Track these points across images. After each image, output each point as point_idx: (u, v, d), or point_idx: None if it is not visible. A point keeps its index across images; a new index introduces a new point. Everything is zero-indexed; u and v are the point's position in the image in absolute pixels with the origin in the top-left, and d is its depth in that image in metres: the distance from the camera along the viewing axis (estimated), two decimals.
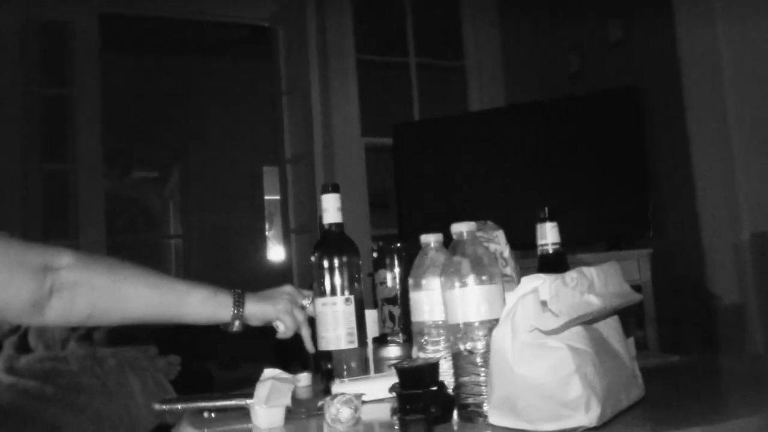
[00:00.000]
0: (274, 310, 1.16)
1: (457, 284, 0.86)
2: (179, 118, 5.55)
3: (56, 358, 2.08)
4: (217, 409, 1.05)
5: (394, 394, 0.85)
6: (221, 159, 5.61)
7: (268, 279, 5.71)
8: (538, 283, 0.74)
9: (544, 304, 0.74)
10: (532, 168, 3.20)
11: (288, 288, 1.22)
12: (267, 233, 6.17)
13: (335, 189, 1.24)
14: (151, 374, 2.03)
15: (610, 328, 0.84)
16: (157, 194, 7.17)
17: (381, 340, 1.30)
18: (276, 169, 6.05)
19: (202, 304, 1.10)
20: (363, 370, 1.19)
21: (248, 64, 5.40)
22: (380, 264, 1.34)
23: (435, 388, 0.81)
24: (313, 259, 1.22)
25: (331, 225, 1.23)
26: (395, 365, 0.85)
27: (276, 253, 6.20)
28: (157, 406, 1.06)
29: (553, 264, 1.05)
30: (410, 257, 1.35)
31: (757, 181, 2.76)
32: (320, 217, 1.26)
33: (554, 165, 3.15)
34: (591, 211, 3.00)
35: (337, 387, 1.05)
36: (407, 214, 3.38)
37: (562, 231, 1.43)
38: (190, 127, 5.59)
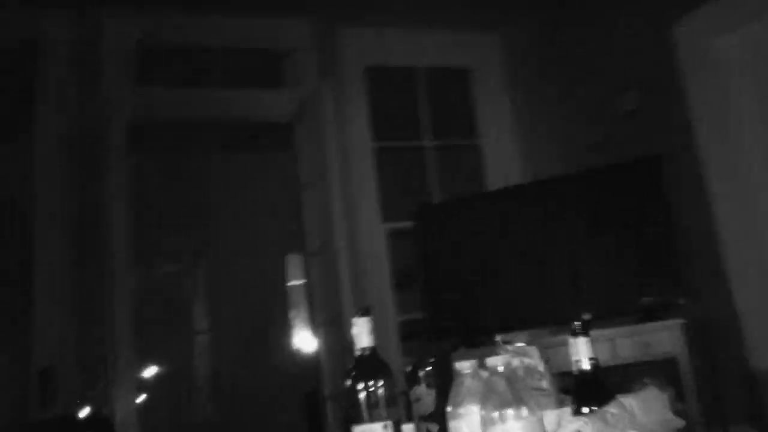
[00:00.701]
0: None
1: (498, 420, 0.86)
2: (200, 215, 5.66)
3: None
4: None
5: None
6: (244, 252, 5.67)
7: (297, 369, 5.67)
8: (579, 425, 0.74)
9: None
10: (556, 244, 3.19)
11: None
12: (292, 321, 6.16)
13: (366, 313, 1.25)
14: None
15: None
16: (181, 289, 7.23)
17: None
18: (299, 256, 6.14)
19: None
20: None
21: (267, 157, 5.54)
22: (414, 380, 1.33)
23: None
24: (347, 383, 1.22)
25: (364, 349, 1.23)
26: None
27: (302, 341, 6.17)
28: None
29: (590, 383, 1.03)
30: (445, 370, 1.35)
31: None
32: (351, 341, 1.26)
33: (579, 240, 3.14)
34: (620, 283, 2.97)
35: None
36: (431, 299, 3.37)
37: (594, 304, 1.41)
38: (210, 224, 5.70)
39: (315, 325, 3.75)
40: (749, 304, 2.81)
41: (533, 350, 1.15)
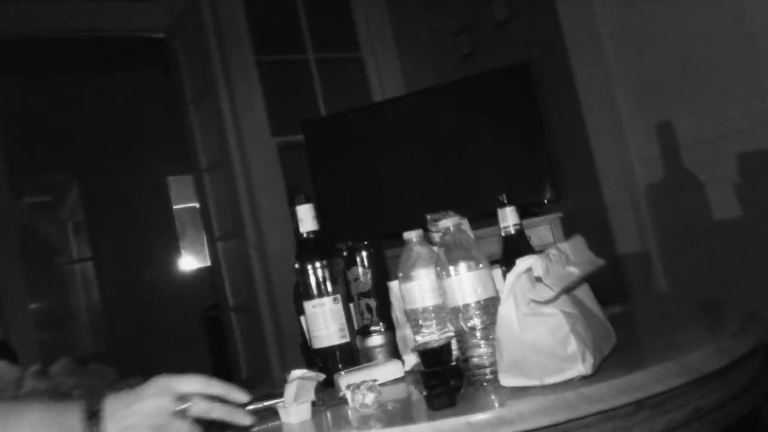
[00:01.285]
0: None
1: (453, 272, 1.00)
2: (74, 138, 5.35)
3: (16, 398, 2.05)
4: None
5: (409, 366, 0.97)
6: (123, 173, 5.47)
7: (191, 287, 5.66)
8: (531, 262, 0.89)
9: (538, 279, 0.88)
10: (438, 151, 3.37)
11: (154, 390, 0.91)
12: (180, 243, 6.08)
13: (308, 200, 1.34)
14: None
15: (585, 292, 1.01)
16: (50, 219, 6.86)
17: (363, 332, 1.42)
18: (181, 177, 5.99)
19: None
20: (356, 361, 1.31)
21: (139, 76, 5.29)
22: (351, 262, 1.45)
23: (453, 363, 0.94)
24: (297, 265, 1.32)
25: (309, 233, 1.33)
26: (417, 348, 0.98)
27: (189, 262, 6.13)
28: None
29: (517, 242, 1.21)
30: (378, 253, 1.49)
31: (643, 137, 3.07)
32: (295, 228, 1.35)
33: (459, 146, 3.33)
34: (499, 184, 3.22)
35: (344, 378, 1.16)
36: (328, 210, 3.49)
37: (471, 207, 1.60)
38: (86, 146, 5.41)
39: (210, 242, 3.76)
40: (614, 199, 3.16)
41: (465, 222, 1.30)
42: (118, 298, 5.60)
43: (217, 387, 0.93)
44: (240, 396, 0.95)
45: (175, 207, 6.03)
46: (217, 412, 0.92)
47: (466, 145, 3.32)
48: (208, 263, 4.27)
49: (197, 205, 3.87)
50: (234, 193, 3.44)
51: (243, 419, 0.94)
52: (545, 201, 3.14)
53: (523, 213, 3.18)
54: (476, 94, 3.36)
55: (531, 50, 3.40)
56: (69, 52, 4.69)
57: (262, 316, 3.31)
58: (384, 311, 1.42)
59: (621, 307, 1.47)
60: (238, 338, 3.57)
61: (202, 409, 0.91)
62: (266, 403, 1.04)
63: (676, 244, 3.00)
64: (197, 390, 0.92)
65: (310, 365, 1.36)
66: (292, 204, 3.94)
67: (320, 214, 3.57)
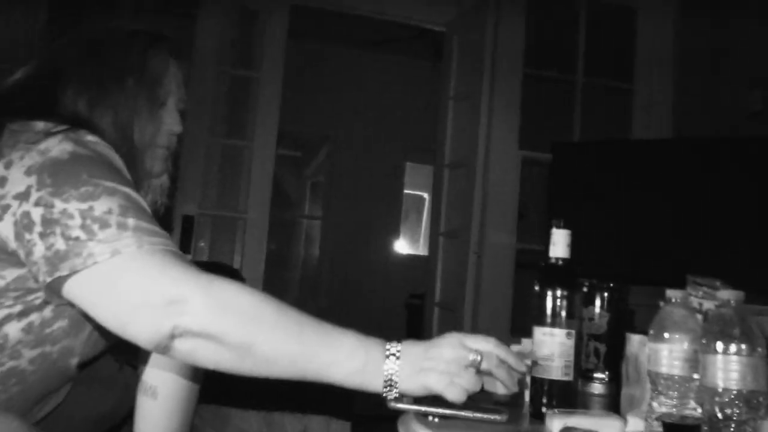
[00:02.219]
0: (434, 386, 1.00)
1: (720, 349, 0.90)
2: (333, 105, 5.78)
3: None
4: (445, 416, 1.14)
5: (632, 429, 0.90)
6: (368, 147, 5.79)
7: (400, 272, 5.87)
8: None
9: None
10: (699, 208, 3.10)
11: (450, 341, 1.02)
12: (401, 226, 6.32)
13: (565, 225, 1.30)
14: None
15: None
16: (296, 174, 7.50)
17: (584, 375, 1.35)
18: (416, 166, 6.22)
19: (352, 375, 0.97)
20: (571, 404, 1.24)
21: (407, 61, 5.55)
22: (590, 300, 1.38)
23: None
24: (537, 287, 1.28)
25: (558, 259, 1.29)
26: (664, 418, 0.90)
27: (404, 246, 6.35)
28: (390, 404, 1.16)
29: None
30: (621, 299, 1.40)
31: None
32: (547, 250, 1.32)
33: (726, 208, 3.03)
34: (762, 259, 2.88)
35: (559, 418, 1.10)
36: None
37: (727, 276, 1.42)
38: (343, 115, 5.82)
39: (434, 235, 3.85)
40: None
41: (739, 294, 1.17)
42: (333, 259, 5.97)
43: (503, 351, 1.06)
44: (520, 366, 1.08)
45: (405, 191, 6.27)
46: (501, 372, 1.05)
47: (735, 210, 3.01)
48: (423, 253, 4.38)
49: (425, 194, 3.99)
50: (469, 194, 3.47)
51: (515, 387, 1.09)
52: None
53: None
54: (760, 156, 3.03)
55: None
56: (351, 26, 5.04)
57: (464, 319, 3.31)
58: (611, 360, 1.33)
59: None
60: (434, 333, 3.62)
61: (491, 364, 1.03)
62: (485, 416, 1.04)
63: None
64: (487, 349, 1.03)
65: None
66: (521, 217, 3.91)
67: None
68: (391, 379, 0.98)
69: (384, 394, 1.00)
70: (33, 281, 1.01)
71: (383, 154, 5.86)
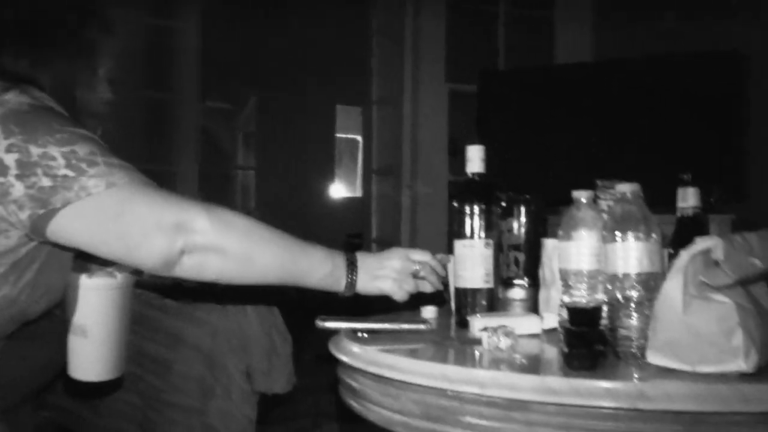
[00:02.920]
0: (387, 290, 1.23)
1: (620, 238, 0.95)
2: (258, 52, 5.64)
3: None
4: (373, 331, 1.18)
5: (552, 328, 0.95)
6: (297, 93, 5.70)
7: (337, 215, 5.88)
8: (711, 243, 0.83)
9: (716, 263, 0.82)
10: (618, 124, 3.20)
11: (398, 254, 1.25)
12: (336, 170, 6.31)
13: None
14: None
15: (762, 289, 0.92)
16: (227, 126, 7.34)
17: (506, 283, 1.40)
18: (347, 108, 6.17)
19: (323, 279, 1.18)
20: (494, 309, 1.30)
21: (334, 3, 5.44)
22: (508, 213, 1.43)
23: (600, 328, 0.91)
24: (455, 203, 1.32)
25: (474, 174, 1.32)
26: (567, 304, 0.96)
27: (340, 190, 6.35)
28: (319, 323, 1.19)
29: (694, 226, 1.13)
30: (538, 209, 1.45)
31: None
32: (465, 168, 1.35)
33: (641, 122, 3.14)
34: (677, 169, 3.01)
35: (480, 321, 1.16)
36: (488, 162, 3.45)
37: (649, 191, 1.48)
38: (269, 62, 5.69)
39: (367, 173, 3.86)
40: None
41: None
42: (271, 208, 5.93)
43: (436, 262, 1.28)
44: (442, 271, 1.30)
45: (337, 135, 6.23)
46: (432, 277, 1.26)
47: (649, 124, 3.13)
48: (360, 195, 4.40)
49: (359, 137, 3.99)
50: (398, 129, 3.49)
51: (439, 286, 1.29)
52: (721, 198, 2.90)
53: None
54: (673, 74, 3.14)
55: (748, 35, 3.09)
56: None
57: None
58: (531, 268, 1.39)
59: None
60: None
61: (426, 272, 1.25)
62: (408, 326, 1.10)
63: None
64: (424, 259, 1.25)
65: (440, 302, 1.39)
66: (452, 153, 3.96)
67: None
68: (352, 282, 1.20)
69: (344, 294, 1.21)
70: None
71: (313, 99, 5.78)
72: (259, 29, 5.56)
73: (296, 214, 5.76)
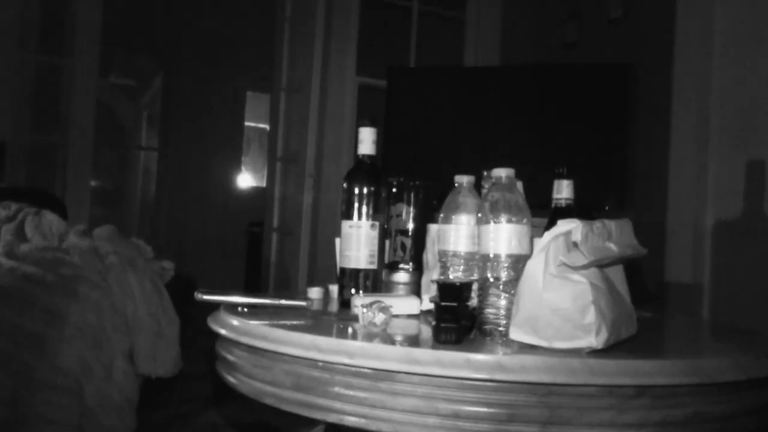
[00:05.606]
0: None
1: (492, 221, 0.99)
2: (167, 29, 5.47)
3: (58, 249, 2.16)
4: (254, 306, 1.18)
5: (426, 306, 0.98)
6: (207, 76, 5.57)
7: (242, 203, 5.79)
8: (571, 226, 0.88)
9: (574, 245, 0.87)
10: (516, 129, 3.33)
11: None
12: (243, 158, 6.21)
13: (372, 123, 1.35)
14: (149, 275, 2.13)
15: (618, 273, 0.99)
16: (130, 104, 7.08)
17: (392, 267, 1.43)
18: (258, 95, 6.08)
19: None
20: (377, 290, 1.32)
21: None
22: (398, 198, 1.46)
23: (468, 304, 0.95)
24: (344, 184, 1.33)
25: (364, 156, 1.34)
26: (437, 280, 0.99)
27: (246, 180, 6.25)
28: (198, 295, 1.18)
29: (565, 216, 1.19)
30: (426, 195, 1.49)
31: (726, 170, 2.95)
32: (356, 149, 1.36)
33: (539, 128, 3.28)
34: (570, 176, 3.16)
35: (360, 300, 1.18)
36: (392, 154, 3.50)
37: (539, 195, 1.57)
38: (178, 41, 5.53)
39: (271, 160, 3.83)
40: (678, 225, 3.05)
41: (519, 182, 1.28)
42: (172, 192, 5.77)
43: None
44: None
45: (246, 123, 6.14)
46: None
47: (545, 130, 3.26)
48: (264, 185, 4.33)
49: (268, 127, 3.94)
50: (305, 118, 3.48)
51: None
52: (606, 207, 3.08)
53: (581, 213, 3.13)
54: (569, 83, 3.29)
55: (637, 51, 3.28)
56: None
57: (301, 242, 3.37)
58: (417, 254, 1.42)
59: (651, 314, 1.44)
60: (273, 257, 3.65)
61: None
62: (290, 302, 1.10)
63: (731, 289, 2.88)
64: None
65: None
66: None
67: (385, 160, 3.61)
68: None
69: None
70: None
71: (223, 83, 5.67)
72: (166, 6, 5.39)
73: (199, 200, 5.64)
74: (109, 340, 1.97)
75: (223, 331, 1.07)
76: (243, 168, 6.20)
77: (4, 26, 3.07)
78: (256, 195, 5.60)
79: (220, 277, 4.55)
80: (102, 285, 2.02)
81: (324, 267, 3.25)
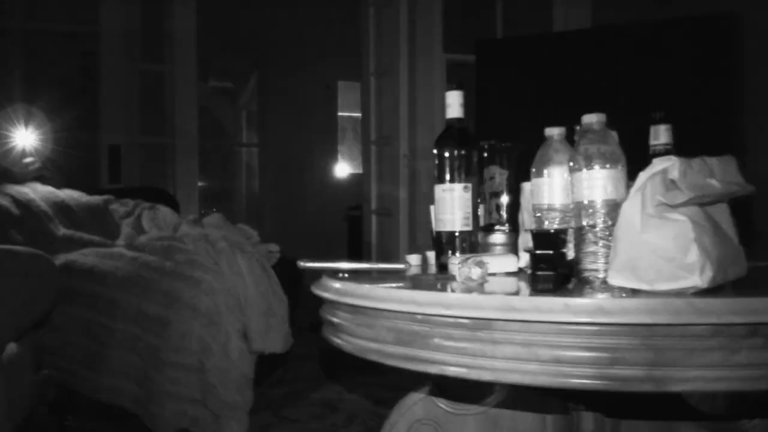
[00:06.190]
0: None
1: (585, 166, 0.98)
2: (259, 30, 5.65)
3: (172, 238, 2.30)
4: (354, 271, 1.22)
5: (524, 263, 0.98)
6: (299, 70, 5.72)
7: (340, 190, 5.92)
8: (668, 164, 0.85)
9: (672, 182, 0.85)
10: (616, 91, 3.21)
11: None
12: (339, 147, 6.33)
13: (459, 87, 1.35)
14: (257, 258, 2.23)
15: (723, 212, 0.95)
16: (229, 105, 7.38)
17: (488, 229, 1.43)
18: (350, 84, 6.17)
19: None
20: (474, 252, 1.33)
21: None
22: (490, 161, 1.45)
23: (564, 251, 0.94)
24: (435, 150, 1.34)
25: (453, 120, 1.34)
26: (532, 229, 0.98)
27: (343, 168, 6.38)
28: (300, 264, 1.23)
29: None
30: (519, 157, 1.47)
31: None
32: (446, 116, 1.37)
33: (639, 91, 3.15)
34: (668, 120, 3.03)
35: (456, 259, 1.19)
36: (484, 128, 3.47)
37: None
38: (269, 39, 5.70)
39: (366, 144, 3.88)
40: None
41: (615, 132, 1.25)
42: (274, 185, 5.97)
43: None
44: None
45: (340, 113, 6.25)
46: None
47: (642, 93, 3.14)
48: (361, 171, 4.41)
49: (360, 115, 4.00)
50: (396, 100, 3.51)
51: None
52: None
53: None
54: (668, 39, 3.15)
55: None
56: None
57: (399, 222, 3.41)
58: (513, 215, 1.42)
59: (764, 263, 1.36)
60: (373, 239, 3.72)
61: None
62: (390, 266, 1.13)
63: None
64: None
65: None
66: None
67: (477, 133, 3.59)
68: None
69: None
70: None
71: (314, 75, 5.79)
72: (255, 9, 5.56)
73: (299, 190, 5.81)
74: (223, 319, 2.09)
75: (326, 295, 1.11)
76: (339, 157, 6.33)
77: (112, 38, 3.28)
78: (354, 181, 5.71)
79: (326, 257, 4.66)
80: (214, 268, 2.14)
81: (424, 245, 3.27)
